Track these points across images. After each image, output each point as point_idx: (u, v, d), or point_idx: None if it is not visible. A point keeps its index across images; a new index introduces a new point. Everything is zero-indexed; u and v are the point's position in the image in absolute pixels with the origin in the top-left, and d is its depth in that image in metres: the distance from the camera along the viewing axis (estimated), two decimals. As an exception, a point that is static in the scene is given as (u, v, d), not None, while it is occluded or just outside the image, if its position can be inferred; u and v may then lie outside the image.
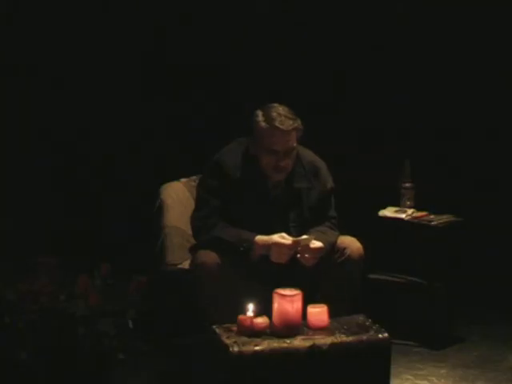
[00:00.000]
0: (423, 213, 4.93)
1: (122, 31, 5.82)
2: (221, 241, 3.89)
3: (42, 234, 5.63)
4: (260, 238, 3.91)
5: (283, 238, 3.90)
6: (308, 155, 4.14)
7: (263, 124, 3.95)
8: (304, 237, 3.88)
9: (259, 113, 3.99)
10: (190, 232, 4.14)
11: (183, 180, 4.47)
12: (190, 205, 4.21)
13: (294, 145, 3.97)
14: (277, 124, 3.92)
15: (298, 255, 3.89)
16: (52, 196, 5.88)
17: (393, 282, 4.88)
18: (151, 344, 3.82)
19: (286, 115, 3.95)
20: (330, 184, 4.15)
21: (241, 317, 3.60)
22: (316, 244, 3.90)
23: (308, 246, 3.87)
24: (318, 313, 3.70)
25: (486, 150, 5.80)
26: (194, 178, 4.40)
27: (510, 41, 5.67)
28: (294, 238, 3.88)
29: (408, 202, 4.97)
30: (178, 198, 4.37)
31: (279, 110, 3.97)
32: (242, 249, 3.89)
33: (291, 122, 3.94)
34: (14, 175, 5.85)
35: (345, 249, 3.97)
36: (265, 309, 3.64)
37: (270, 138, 3.94)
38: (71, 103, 5.93)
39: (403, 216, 4.90)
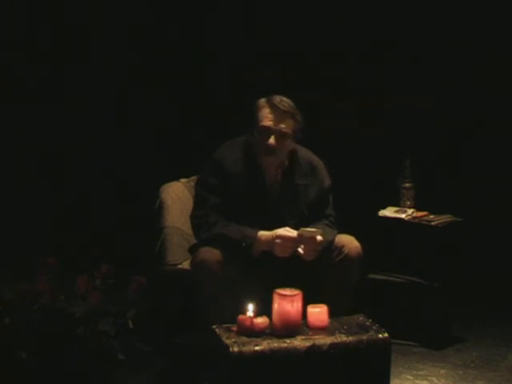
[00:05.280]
0: (423, 213, 4.93)
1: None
2: (223, 238, 3.88)
3: (42, 234, 5.63)
4: (262, 233, 3.92)
5: (288, 232, 3.91)
6: (306, 153, 4.15)
7: (262, 100, 4.01)
8: (308, 229, 3.88)
9: (262, 98, 4.04)
10: (189, 232, 4.14)
11: (183, 180, 4.47)
12: (190, 205, 4.20)
13: (288, 132, 3.98)
14: (275, 102, 3.97)
15: (299, 249, 3.89)
16: (52, 196, 5.88)
17: (393, 282, 4.87)
18: (151, 344, 3.82)
19: (287, 101, 3.99)
20: (327, 182, 4.16)
21: (241, 317, 3.60)
22: (319, 237, 3.90)
23: (313, 238, 3.87)
24: (318, 313, 3.69)
25: (485, 149, 5.80)
26: (194, 178, 4.40)
27: None
28: (299, 231, 3.88)
29: (408, 202, 4.97)
30: (178, 198, 4.38)
31: (282, 97, 4.01)
32: (244, 244, 3.89)
33: (289, 106, 3.97)
34: (14, 175, 5.86)
35: (343, 247, 3.97)
36: (265, 309, 3.64)
37: (265, 113, 3.97)
38: (71, 102, 5.94)
39: (403, 216, 4.90)
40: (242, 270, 3.86)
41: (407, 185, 4.99)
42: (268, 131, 3.96)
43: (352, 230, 4.08)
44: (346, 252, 3.96)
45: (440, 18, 5.75)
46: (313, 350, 3.54)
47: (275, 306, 3.60)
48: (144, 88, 5.90)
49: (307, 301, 3.68)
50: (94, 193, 5.91)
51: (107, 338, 3.55)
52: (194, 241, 4.08)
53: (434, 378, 4.34)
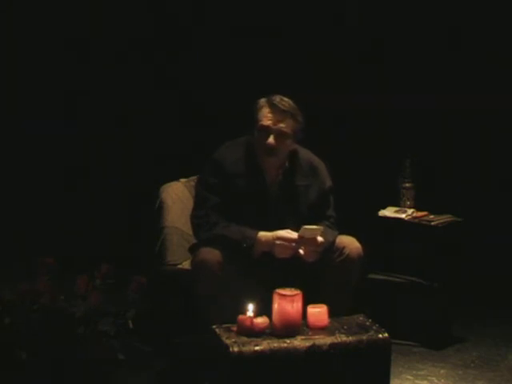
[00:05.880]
0: (423, 213, 4.93)
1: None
2: (223, 238, 3.88)
3: (42, 234, 5.63)
4: (263, 234, 3.92)
5: (288, 233, 3.91)
6: (306, 154, 4.15)
7: (262, 100, 4.01)
8: (310, 227, 3.88)
9: (262, 98, 4.04)
10: (189, 232, 4.14)
11: (183, 180, 4.47)
12: (190, 205, 4.20)
13: (288, 131, 3.98)
14: (275, 101, 3.97)
15: (301, 250, 3.89)
16: (52, 196, 5.88)
17: (393, 282, 4.87)
18: (151, 344, 3.82)
19: (287, 101, 3.99)
20: (328, 183, 4.16)
21: (241, 317, 3.60)
22: (319, 238, 3.90)
23: (314, 239, 3.87)
24: (318, 313, 3.69)
25: (485, 149, 5.80)
26: (194, 178, 4.40)
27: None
28: (300, 230, 3.88)
29: (408, 202, 4.97)
30: (178, 198, 4.38)
31: (282, 97, 4.01)
32: (244, 245, 3.89)
33: (289, 106, 3.97)
34: (14, 175, 5.86)
35: (344, 248, 3.97)
36: (265, 309, 3.64)
37: (265, 112, 3.97)
38: (71, 101, 5.95)
39: (403, 216, 4.90)
40: (242, 270, 3.86)
41: (407, 185, 4.99)
42: (267, 131, 3.96)
43: (352, 230, 4.08)
44: (346, 253, 3.96)
45: (439, 16, 5.75)
46: (313, 350, 3.54)
47: (275, 306, 3.60)
48: (144, 88, 5.91)
49: (307, 301, 3.68)
50: (94, 193, 5.91)
51: (107, 337, 3.55)
52: (193, 241, 4.08)
53: (434, 378, 4.34)
